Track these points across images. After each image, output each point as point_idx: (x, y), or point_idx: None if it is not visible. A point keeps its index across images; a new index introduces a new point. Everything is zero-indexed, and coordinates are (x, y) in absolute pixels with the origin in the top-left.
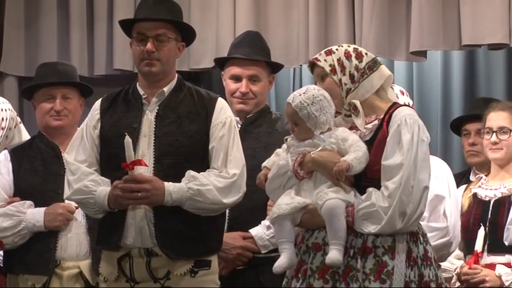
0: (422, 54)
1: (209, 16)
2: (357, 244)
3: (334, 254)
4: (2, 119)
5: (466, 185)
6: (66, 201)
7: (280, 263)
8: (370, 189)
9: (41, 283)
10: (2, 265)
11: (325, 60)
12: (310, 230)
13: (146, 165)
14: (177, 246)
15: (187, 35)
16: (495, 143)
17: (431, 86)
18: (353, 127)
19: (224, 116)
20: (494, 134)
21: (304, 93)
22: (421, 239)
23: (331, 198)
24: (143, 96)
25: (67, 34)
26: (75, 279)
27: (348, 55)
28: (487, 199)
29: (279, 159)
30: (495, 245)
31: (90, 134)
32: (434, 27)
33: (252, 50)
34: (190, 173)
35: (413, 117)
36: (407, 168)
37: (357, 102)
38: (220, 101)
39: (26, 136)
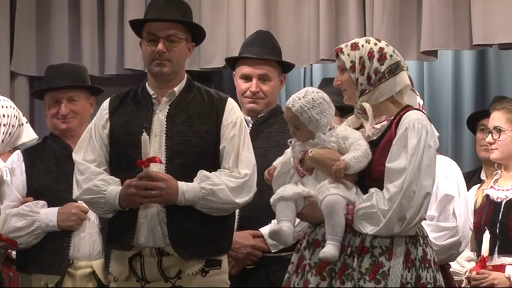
0: (433, 53)
1: (220, 16)
2: (355, 243)
3: (329, 249)
4: (3, 115)
5: (478, 185)
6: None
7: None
8: (372, 190)
9: (54, 282)
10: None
11: (348, 54)
12: (313, 226)
13: (162, 163)
14: (190, 246)
15: (197, 35)
16: (491, 143)
17: (442, 86)
18: (363, 125)
19: (234, 116)
20: (490, 134)
21: (303, 97)
22: (421, 241)
23: (331, 193)
24: (153, 96)
25: (78, 34)
26: (88, 279)
27: (371, 55)
28: (499, 200)
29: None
30: (505, 246)
31: (99, 133)
32: (445, 26)
33: (263, 49)
34: (202, 172)
35: (422, 122)
36: (410, 173)
37: (367, 106)
38: (230, 101)
39: (32, 136)
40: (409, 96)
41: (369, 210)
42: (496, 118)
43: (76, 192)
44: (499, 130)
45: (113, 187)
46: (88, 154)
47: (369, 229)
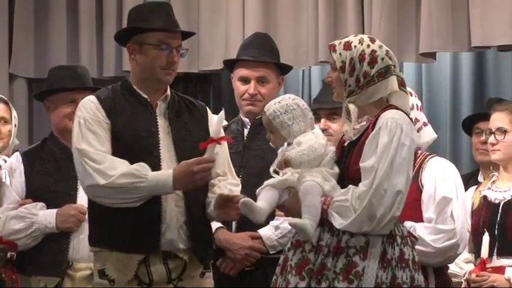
0: (432, 55)
1: (218, 18)
2: (332, 243)
3: (301, 220)
4: (15, 116)
5: (475, 187)
6: (79, 201)
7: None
8: (350, 186)
9: (53, 284)
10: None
11: (340, 53)
12: None
13: (233, 141)
14: (205, 249)
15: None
16: (493, 144)
17: (441, 88)
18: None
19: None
20: (493, 135)
21: (279, 102)
22: (399, 240)
23: (308, 180)
24: (148, 100)
25: (76, 36)
26: (87, 281)
27: (361, 57)
28: (497, 202)
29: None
30: (504, 248)
31: (102, 127)
32: (444, 28)
33: (261, 51)
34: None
35: (397, 120)
36: (379, 171)
37: (351, 108)
38: (208, 109)
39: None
40: (398, 98)
41: (343, 203)
42: (499, 119)
43: (100, 181)
44: (503, 131)
45: (152, 172)
46: (99, 145)
47: (338, 222)
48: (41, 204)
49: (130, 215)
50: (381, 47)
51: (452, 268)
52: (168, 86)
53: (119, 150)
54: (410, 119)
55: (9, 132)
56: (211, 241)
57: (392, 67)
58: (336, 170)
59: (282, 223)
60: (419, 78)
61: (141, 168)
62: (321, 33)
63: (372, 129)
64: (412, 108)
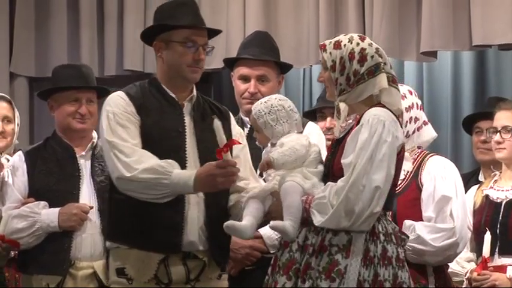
0: (433, 54)
1: (219, 17)
2: (317, 242)
3: (281, 223)
4: (17, 116)
5: (477, 186)
6: (81, 200)
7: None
8: (329, 183)
9: (55, 283)
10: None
11: (330, 53)
12: None
13: (240, 143)
14: (223, 252)
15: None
16: (499, 143)
17: (442, 86)
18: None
19: (237, 127)
20: (499, 133)
21: (265, 102)
22: (382, 238)
23: (287, 180)
24: (176, 99)
25: (77, 35)
26: (89, 280)
27: (351, 56)
28: (499, 201)
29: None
30: (506, 247)
31: (132, 121)
32: (445, 27)
33: (261, 50)
34: None
35: (380, 117)
36: (358, 167)
37: (342, 107)
38: (231, 114)
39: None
40: (388, 95)
41: (321, 200)
42: (504, 117)
43: (124, 173)
44: (509, 130)
45: (179, 170)
46: (129, 138)
47: (316, 219)
48: (43, 203)
49: (154, 214)
50: (370, 44)
51: (454, 267)
52: (194, 87)
53: (146, 148)
54: (397, 116)
55: (13, 131)
56: (229, 244)
57: (382, 64)
58: (320, 168)
59: None
60: (420, 77)
61: (167, 165)
62: (322, 32)
63: (356, 126)
64: (412, 107)
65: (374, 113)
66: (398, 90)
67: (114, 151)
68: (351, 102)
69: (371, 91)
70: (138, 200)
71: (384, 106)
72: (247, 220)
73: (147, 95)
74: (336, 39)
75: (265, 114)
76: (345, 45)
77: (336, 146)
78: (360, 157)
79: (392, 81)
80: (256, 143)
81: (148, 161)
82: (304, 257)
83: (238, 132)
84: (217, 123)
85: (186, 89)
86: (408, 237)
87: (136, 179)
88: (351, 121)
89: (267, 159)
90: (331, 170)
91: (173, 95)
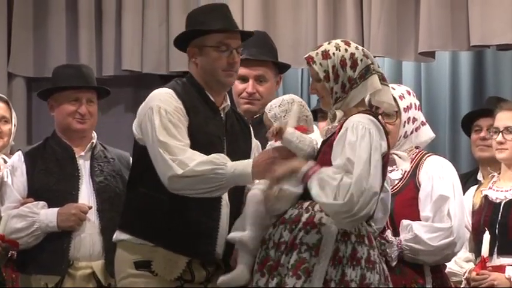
0: (431, 54)
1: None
2: (289, 239)
3: (238, 235)
4: (14, 116)
5: (476, 186)
6: (80, 200)
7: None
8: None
9: (54, 283)
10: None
11: (320, 64)
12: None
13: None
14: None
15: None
16: (501, 143)
17: (440, 87)
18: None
19: (255, 139)
20: (500, 133)
21: (277, 98)
22: (353, 239)
23: (252, 188)
24: (216, 105)
25: (75, 35)
26: (87, 280)
27: (343, 63)
28: (498, 201)
29: None
30: (505, 247)
31: (182, 120)
32: (443, 27)
33: (259, 50)
34: None
35: (365, 124)
36: (357, 167)
37: (338, 114)
38: (250, 126)
39: None
40: (380, 94)
41: (330, 181)
42: (506, 118)
43: (178, 170)
44: (511, 130)
45: (234, 162)
46: (180, 137)
47: (315, 192)
48: (42, 203)
49: (189, 218)
50: (357, 48)
51: (453, 267)
52: (227, 95)
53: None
54: (380, 122)
55: (10, 131)
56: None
57: (371, 65)
58: None
59: None
60: (419, 77)
61: (221, 157)
62: (320, 32)
63: (339, 129)
64: (410, 108)
65: (357, 120)
66: (388, 86)
67: (165, 151)
68: (344, 108)
69: (364, 94)
70: (173, 201)
71: (368, 112)
72: (239, 270)
73: (191, 95)
74: (322, 49)
75: (275, 107)
76: (333, 53)
77: (321, 147)
78: (356, 157)
79: (382, 79)
80: (269, 142)
81: (201, 156)
82: (276, 254)
83: (256, 145)
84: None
85: (221, 94)
86: (388, 241)
87: (191, 174)
88: (336, 124)
89: (278, 126)
90: None
91: (213, 99)
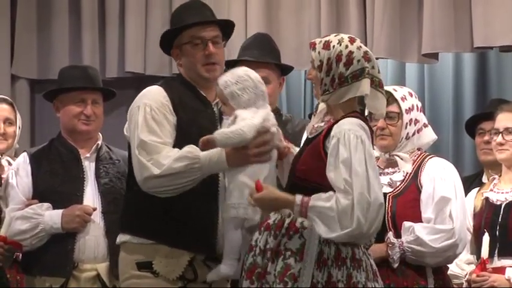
0: (434, 56)
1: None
2: (274, 245)
3: (216, 270)
4: (19, 118)
5: (478, 188)
6: (85, 202)
7: None
8: (331, 193)
9: (59, 284)
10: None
11: (319, 52)
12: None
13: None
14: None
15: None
16: (501, 144)
17: (443, 88)
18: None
19: None
20: (501, 134)
21: (232, 73)
22: None
23: (230, 205)
24: (207, 98)
25: (79, 37)
26: (92, 281)
27: (338, 58)
28: (498, 203)
29: None
30: (505, 249)
31: (167, 118)
32: (446, 29)
33: (262, 52)
34: None
35: (356, 132)
36: (356, 184)
37: (320, 106)
38: None
39: None
40: (372, 99)
41: (327, 213)
42: (506, 119)
43: (154, 170)
44: (511, 131)
45: (204, 151)
46: (163, 135)
47: (322, 230)
48: (46, 204)
49: (189, 212)
50: (359, 48)
51: (454, 269)
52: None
53: (183, 144)
54: (369, 126)
55: (14, 133)
56: None
57: (368, 69)
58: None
59: None
60: (422, 78)
61: (193, 149)
62: (323, 33)
63: (326, 132)
64: (412, 109)
65: (348, 128)
66: (383, 94)
67: (142, 150)
68: (331, 103)
69: (352, 95)
70: (171, 197)
71: (355, 114)
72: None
73: (181, 91)
74: (327, 38)
75: (232, 84)
76: (333, 46)
77: (304, 146)
78: (353, 175)
79: (379, 86)
80: (223, 117)
81: (174, 152)
82: (263, 261)
83: None
84: None
85: (211, 89)
86: (371, 244)
87: (168, 172)
88: (322, 124)
89: (209, 137)
90: (294, 167)
91: (204, 94)
